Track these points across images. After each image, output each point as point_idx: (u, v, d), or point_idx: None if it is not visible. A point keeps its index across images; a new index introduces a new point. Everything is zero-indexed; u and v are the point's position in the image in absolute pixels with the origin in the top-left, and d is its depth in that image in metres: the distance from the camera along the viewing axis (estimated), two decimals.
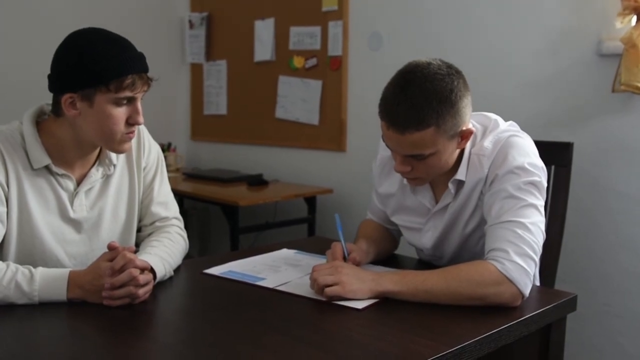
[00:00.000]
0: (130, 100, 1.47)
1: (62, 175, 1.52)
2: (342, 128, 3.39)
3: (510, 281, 1.35)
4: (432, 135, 1.43)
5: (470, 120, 1.53)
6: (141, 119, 1.49)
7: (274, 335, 1.21)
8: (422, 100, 1.41)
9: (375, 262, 1.71)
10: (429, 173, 1.53)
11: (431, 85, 1.41)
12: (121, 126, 1.47)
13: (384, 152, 1.72)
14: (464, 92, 1.46)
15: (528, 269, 1.37)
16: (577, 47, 2.47)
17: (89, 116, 1.45)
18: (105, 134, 1.47)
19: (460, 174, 1.55)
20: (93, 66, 1.40)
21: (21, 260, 1.46)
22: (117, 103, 1.45)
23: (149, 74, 1.49)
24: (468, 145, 1.55)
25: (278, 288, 1.49)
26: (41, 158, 1.48)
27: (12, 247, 1.48)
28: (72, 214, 1.54)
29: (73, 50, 1.44)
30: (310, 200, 3.36)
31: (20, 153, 1.48)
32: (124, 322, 1.30)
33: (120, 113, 1.46)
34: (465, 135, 1.50)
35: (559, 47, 2.53)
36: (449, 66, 1.47)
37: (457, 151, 1.53)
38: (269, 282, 1.53)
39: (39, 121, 1.53)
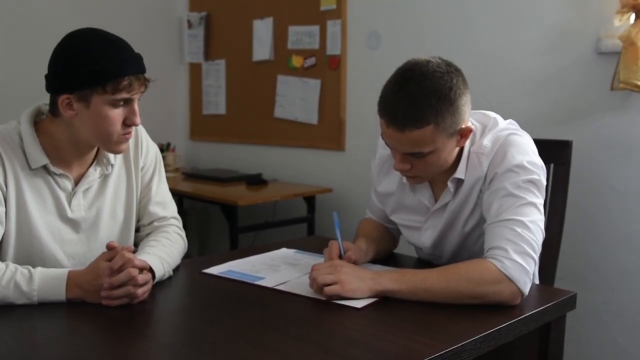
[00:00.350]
0: (127, 102, 1.46)
1: (59, 175, 1.52)
2: (341, 127, 3.39)
3: (510, 280, 1.35)
4: (431, 133, 1.42)
5: (470, 118, 1.52)
6: (138, 120, 1.49)
7: (273, 335, 1.21)
8: (421, 97, 1.41)
9: (375, 261, 1.71)
10: (428, 171, 1.52)
11: (430, 83, 1.41)
12: (118, 127, 1.47)
13: (383, 150, 1.72)
14: (463, 90, 1.46)
15: (527, 268, 1.37)
16: (575, 45, 2.47)
17: (86, 117, 1.45)
18: (101, 135, 1.47)
19: (460, 173, 1.55)
20: (90, 67, 1.40)
21: (20, 260, 1.46)
22: (114, 104, 1.44)
23: (147, 75, 1.48)
24: (467, 143, 1.55)
25: (277, 287, 1.49)
26: (39, 158, 1.48)
27: (10, 247, 1.47)
28: (70, 214, 1.54)
29: (70, 51, 1.43)
30: (310, 200, 3.36)
31: (18, 153, 1.48)
32: (123, 322, 1.30)
33: (117, 114, 1.45)
34: (465, 133, 1.50)
35: (557, 45, 2.53)
36: (449, 64, 1.47)
37: (457, 149, 1.53)
38: (268, 282, 1.53)
39: (37, 121, 1.53)
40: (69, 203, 1.54)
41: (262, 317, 1.31)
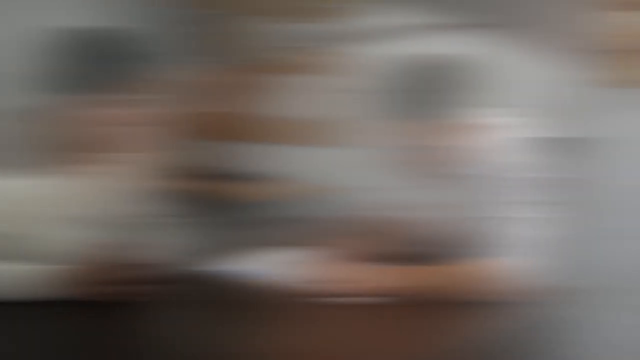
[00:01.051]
0: (125, 103, 1.46)
1: None
2: (342, 125, 3.38)
3: (510, 278, 1.35)
4: (436, 129, 1.43)
5: (474, 114, 1.52)
6: (137, 121, 1.49)
7: (273, 333, 1.21)
8: (425, 93, 1.41)
9: (375, 259, 1.70)
10: (432, 167, 1.52)
11: (435, 78, 1.42)
12: (115, 128, 1.46)
13: (384, 147, 1.72)
14: (469, 86, 1.46)
15: (528, 266, 1.37)
16: (575, 43, 2.47)
17: (81, 118, 1.44)
18: (98, 136, 1.47)
19: (463, 169, 1.55)
20: (83, 69, 1.40)
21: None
22: (111, 106, 1.44)
23: (146, 75, 1.48)
24: (471, 140, 1.54)
25: (277, 286, 1.49)
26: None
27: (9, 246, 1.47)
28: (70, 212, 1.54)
29: (64, 51, 1.43)
30: (310, 198, 3.35)
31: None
32: (121, 320, 1.30)
33: (114, 115, 1.45)
34: (470, 129, 1.49)
35: (556, 43, 2.52)
36: (453, 59, 1.47)
37: (461, 145, 1.53)
38: (268, 280, 1.52)
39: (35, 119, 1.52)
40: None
41: (262, 316, 1.31)
